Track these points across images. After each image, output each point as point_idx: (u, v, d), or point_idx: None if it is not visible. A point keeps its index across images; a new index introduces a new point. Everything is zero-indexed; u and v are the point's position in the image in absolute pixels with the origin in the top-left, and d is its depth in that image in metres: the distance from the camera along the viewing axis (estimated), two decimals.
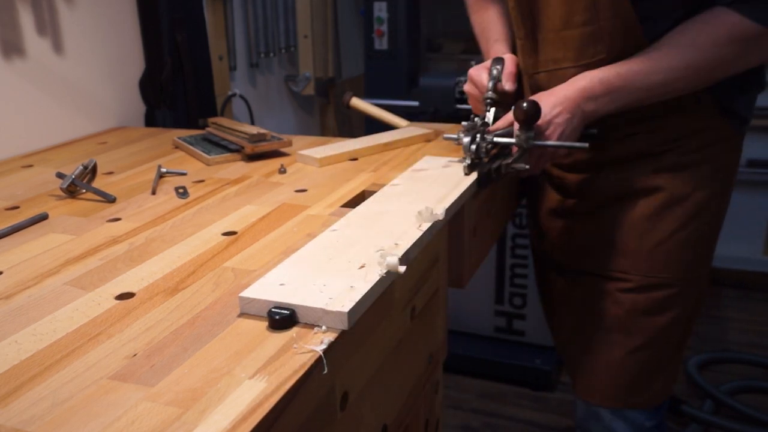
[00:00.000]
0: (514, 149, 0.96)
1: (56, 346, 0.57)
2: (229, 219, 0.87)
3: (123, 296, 0.66)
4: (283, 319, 0.57)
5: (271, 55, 2.42)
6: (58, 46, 1.38)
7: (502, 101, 1.05)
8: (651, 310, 1.04)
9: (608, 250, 1.06)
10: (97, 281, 0.69)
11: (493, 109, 1.03)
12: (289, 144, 1.19)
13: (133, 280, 0.69)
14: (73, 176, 0.98)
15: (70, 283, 0.69)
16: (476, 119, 0.95)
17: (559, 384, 2.12)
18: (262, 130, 1.17)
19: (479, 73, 1.08)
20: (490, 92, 1.04)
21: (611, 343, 1.07)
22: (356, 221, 0.79)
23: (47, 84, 1.36)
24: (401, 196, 0.87)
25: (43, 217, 0.89)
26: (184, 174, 1.08)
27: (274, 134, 1.19)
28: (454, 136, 0.97)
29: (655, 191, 1.02)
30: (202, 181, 1.05)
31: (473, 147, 0.92)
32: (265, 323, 0.58)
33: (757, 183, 2.55)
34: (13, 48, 1.29)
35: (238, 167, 1.12)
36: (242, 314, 0.61)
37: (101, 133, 1.46)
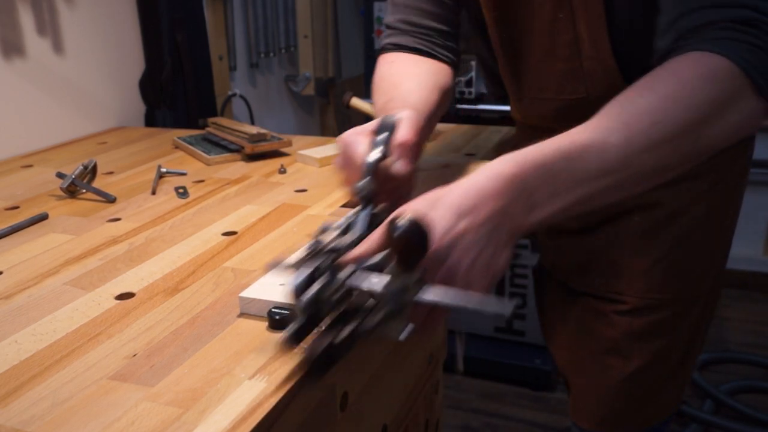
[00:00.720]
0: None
1: (56, 346, 0.57)
2: (229, 219, 0.87)
3: (123, 296, 0.66)
4: (283, 319, 0.57)
5: (271, 55, 2.42)
6: (58, 46, 1.38)
7: (389, 192, 0.69)
8: (648, 334, 0.97)
9: (603, 269, 0.98)
10: (97, 281, 0.69)
11: (367, 211, 0.64)
12: (289, 144, 1.19)
13: (133, 280, 0.69)
14: (73, 176, 0.98)
15: (70, 283, 0.69)
16: (326, 233, 0.60)
17: (559, 384, 2.12)
18: (262, 130, 1.17)
19: (356, 140, 0.70)
20: (364, 182, 0.65)
21: (606, 368, 1.01)
22: None
23: (47, 84, 1.36)
24: None
25: (43, 217, 0.89)
26: (184, 174, 1.08)
27: (274, 134, 1.19)
28: (284, 261, 0.54)
29: (651, 207, 0.94)
30: (202, 181, 1.05)
31: (308, 296, 0.50)
32: (265, 323, 0.58)
33: (757, 183, 2.55)
34: (13, 48, 1.29)
35: (238, 167, 1.12)
36: (242, 314, 0.61)
37: (101, 133, 1.46)
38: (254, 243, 0.78)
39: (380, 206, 0.66)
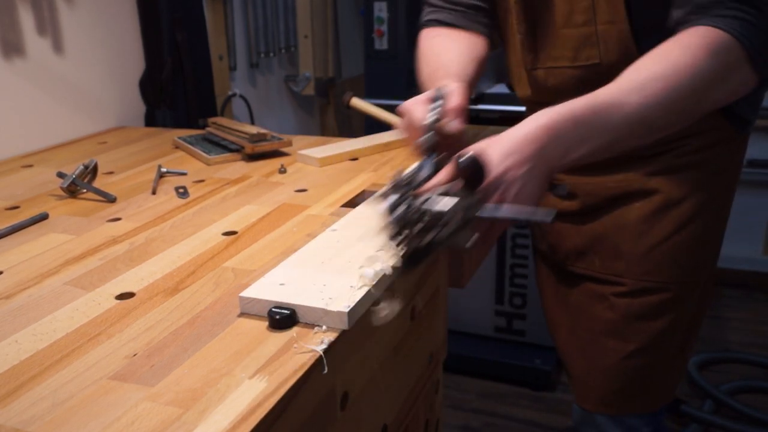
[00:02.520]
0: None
1: (56, 346, 0.57)
2: (229, 219, 0.87)
3: (123, 296, 0.66)
4: (283, 318, 0.57)
5: (271, 55, 2.42)
6: (58, 46, 1.38)
7: (446, 146, 0.83)
8: (646, 315, 1.00)
9: (603, 252, 1.02)
10: (97, 281, 0.69)
11: (431, 159, 0.79)
12: (289, 144, 1.19)
13: (133, 280, 0.69)
14: (74, 176, 0.98)
15: (70, 283, 0.69)
16: (405, 173, 0.72)
17: (559, 384, 2.12)
18: (262, 130, 1.17)
19: (415, 107, 0.85)
20: (426, 137, 0.80)
21: (606, 349, 1.04)
22: (356, 221, 0.79)
23: (47, 84, 1.36)
24: None
25: (44, 217, 0.89)
26: (184, 174, 1.08)
27: (274, 134, 1.19)
28: (378, 193, 0.71)
29: (651, 193, 0.98)
30: (202, 181, 1.05)
31: (396, 214, 0.65)
32: (265, 323, 0.58)
33: (757, 183, 2.55)
34: (13, 48, 1.29)
35: (238, 167, 1.12)
36: (242, 314, 0.61)
37: (101, 133, 1.46)
38: (254, 243, 0.78)
39: (441, 155, 0.79)
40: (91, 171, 1.03)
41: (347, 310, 0.57)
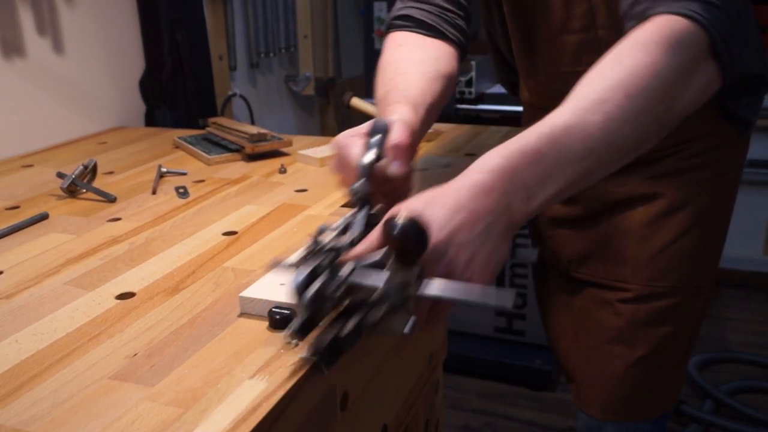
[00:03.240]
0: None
1: (56, 345, 0.57)
2: (229, 219, 0.87)
3: (123, 296, 0.66)
4: (283, 319, 0.57)
5: (271, 55, 2.42)
6: (58, 46, 1.38)
7: (386, 193, 0.69)
8: (652, 321, 0.98)
9: (607, 257, 1.00)
10: (98, 281, 0.69)
11: (363, 212, 0.64)
12: (289, 144, 1.19)
13: (133, 280, 0.69)
14: (74, 176, 0.98)
15: (70, 283, 0.69)
16: (324, 234, 0.59)
17: (559, 384, 2.12)
18: (262, 130, 1.17)
19: (351, 142, 0.69)
20: (359, 184, 0.65)
21: (612, 356, 1.02)
22: None
23: (47, 84, 1.36)
24: None
25: (44, 217, 0.89)
26: (184, 174, 1.08)
27: (274, 134, 1.19)
28: (286, 261, 0.55)
29: (654, 198, 0.95)
30: (202, 181, 1.05)
31: (310, 293, 0.50)
32: (266, 323, 0.58)
33: (757, 183, 2.55)
34: (13, 48, 1.29)
35: (238, 167, 1.12)
36: (242, 314, 0.61)
37: (101, 133, 1.46)
38: (254, 243, 0.78)
39: (377, 207, 0.66)
40: (91, 171, 1.03)
41: None
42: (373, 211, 0.65)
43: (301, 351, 0.54)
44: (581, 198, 1.01)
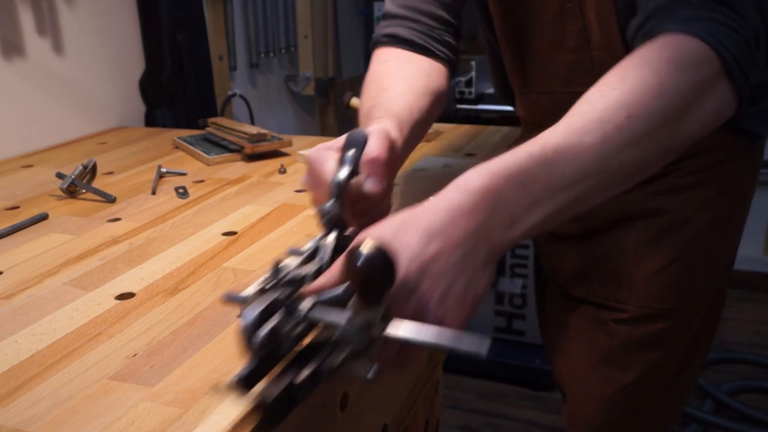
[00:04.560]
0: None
1: (56, 346, 0.57)
2: (229, 219, 0.87)
3: (123, 296, 0.66)
4: None
5: (271, 55, 2.42)
6: (58, 46, 1.38)
7: (361, 213, 0.64)
8: (647, 344, 0.94)
9: (605, 277, 0.95)
10: (97, 281, 0.69)
11: (332, 236, 0.58)
12: (289, 144, 1.19)
13: (133, 280, 0.69)
14: (73, 176, 0.98)
15: (70, 283, 0.69)
16: (289, 259, 0.54)
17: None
18: (262, 130, 1.17)
19: (324, 156, 0.64)
20: (329, 204, 0.59)
21: (604, 378, 0.98)
22: None
23: (47, 84, 1.36)
24: (401, 195, 0.87)
25: (43, 217, 0.89)
26: (184, 174, 1.08)
27: (274, 134, 1.19)
28: (240, 295, 0.48)
29: (654, 215, 0.90)
30: (202, 181, 1.05)
31: (262, 335, 0.43)
32: None
33: (758, 183, 2.55)
34: (13, 48, 1.29)
35: (238, 167, 1.12)
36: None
37: (101, 133, 1.46)
38: (254, 243, 0.78)
39: (350, 229, 0.59)
40: (90, 171, 1.03)
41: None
42: (346, 233, 0.58)
43: (253, 399, 0.45)
44: (580, 214, 0.95)
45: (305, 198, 0.94)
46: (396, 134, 0.68)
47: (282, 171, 1.08)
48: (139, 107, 1.62)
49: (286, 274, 0.50)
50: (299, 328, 0.46)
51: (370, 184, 0.61)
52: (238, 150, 1.18)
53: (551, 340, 1.10)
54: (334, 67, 2.77)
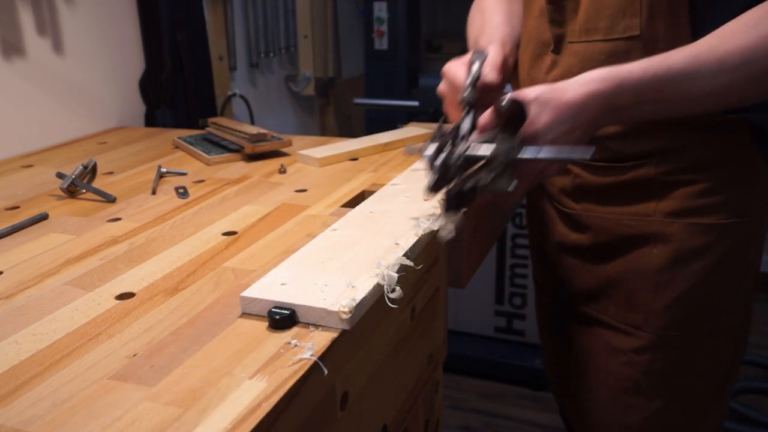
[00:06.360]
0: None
1: (56, 346, 0.57)
2: (229, 219, 0.87)
3: (123, 296, 0.66)
4: (283, 319, 0.57)
5: (271, 55, 2.42)
6: (58, 46, 1.38)
7: (487, 104, 0.79)
8: (670, 372, 0.90)
9: (618, 299, 0.92)
10: (97, 281, 0.69)
11: (470, 115, 0.80)
12: (289, 144, 1.19)
13: (133, 280, 0.69)
14: (73, 176, 0.98)
15: (70, 283, 0.69)
16: (446, 125, 0.78)
17: None
18: (262, 130, 1.17)
19: (455, 69, 0.86)
20: (467, 92, 0.81)
21: (627, 407, 0.93)
22: (356, 221, 0.79)
23: (47, 84, 1.36)
24: (401, 195, 0.87)
25: (43, 217, 0.89)
26: (184, 174, 1.08)
27: (274, 134, 1.19)
28: (417, 146, 0.77)
29: (671, 239, 0.86)
30: (202, 181, 1.05)
31: (438, 162, 0.72)
32: (266, 323, 0.58)
33: None
34: (13, 48, 1.29)
35: (238, 167, 1.12)
36: (242, 314, 0.61)
37: (101, 133, 1.46)
38: (254, 243, 0.78)
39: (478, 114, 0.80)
40: (90, 171, 1.03)
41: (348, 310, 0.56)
42: (477, 115, 0.79)
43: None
44: (592, 225, 0.93)
45: (305, 198, 0.94)
46: (505, 48, 0.91)
47: (282, 171, 1.07)
48: (139, 107, 1.62)
49: (447, 131, 0.75)
50: (461, 159, 0.72)
51: (492, 75, 0.84)
52: (238, 150, 1.18)
53: (558, 365, 1.06)
54: (334, 67, 2.78)
